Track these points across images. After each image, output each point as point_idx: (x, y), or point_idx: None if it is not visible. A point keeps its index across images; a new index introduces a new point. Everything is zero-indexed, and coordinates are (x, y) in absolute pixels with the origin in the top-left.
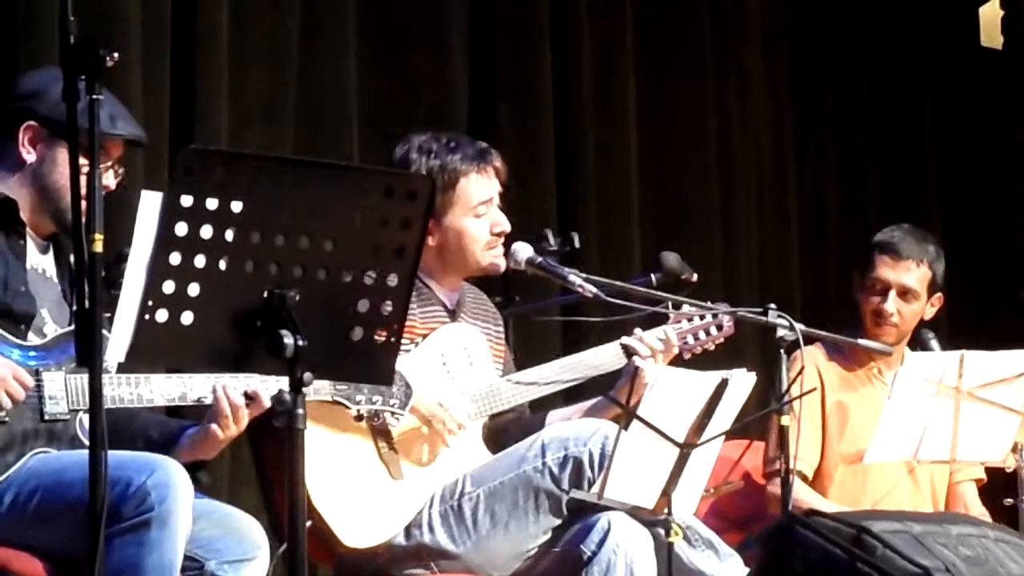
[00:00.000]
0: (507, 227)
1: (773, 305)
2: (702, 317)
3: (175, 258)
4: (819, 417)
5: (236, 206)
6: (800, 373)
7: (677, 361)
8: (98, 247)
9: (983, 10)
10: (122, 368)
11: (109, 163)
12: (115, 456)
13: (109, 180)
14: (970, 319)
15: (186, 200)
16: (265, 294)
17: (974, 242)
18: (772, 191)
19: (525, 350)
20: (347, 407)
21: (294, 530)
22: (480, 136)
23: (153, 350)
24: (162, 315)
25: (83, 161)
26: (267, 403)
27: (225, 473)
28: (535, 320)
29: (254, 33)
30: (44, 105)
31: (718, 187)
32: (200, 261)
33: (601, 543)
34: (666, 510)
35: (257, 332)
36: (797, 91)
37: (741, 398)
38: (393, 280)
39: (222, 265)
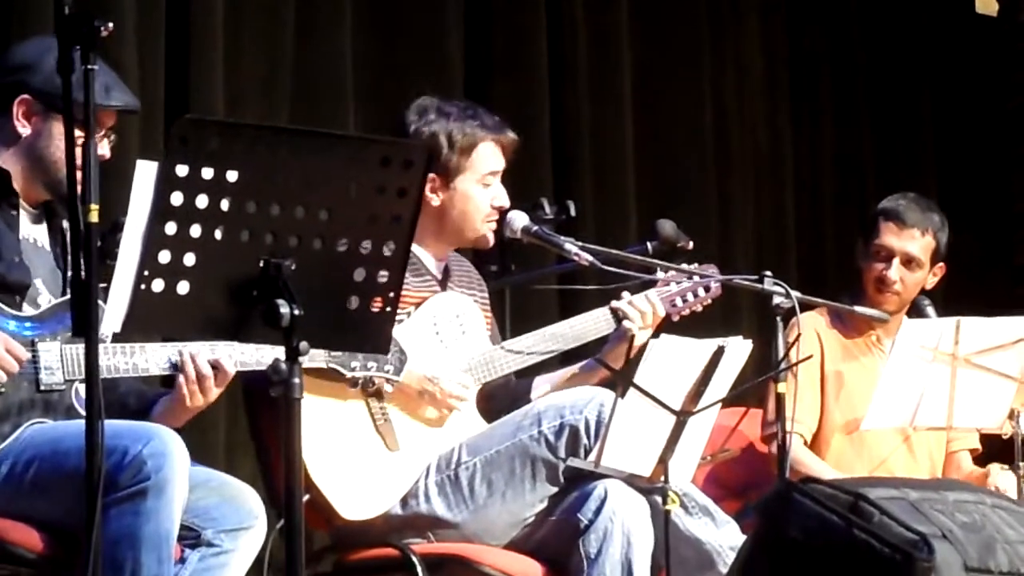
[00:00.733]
0: (507, 203)
1: (769, 272)
2: (690, 277)
3: (171, 228)
4: (818, 382)
5: (232, 175)
6: (797, 339)
7: (668, 325)
8: (94, 217)
9: None
10: (118, 338)
11: (102, 132)
12: (111, 426)
13: (104, 149)
14: (967, 286)
15: (181, 170)
16: (261, 263)
17: (970, 209)
18: (768, 158)
19: (521, 319)
20: (342, 374)
21: (291, 499)
22: None
23: (149, 320)
24: (158, 285)
25: (78, 133)
26: (231, 371)
27: (222, 442)
28: (531, 289)
29: (250, 4)
30: (38, 77)
31: (713, 155)
32: (196, 231)
33: (598, 511)
34: (663, 478)
35: (253, 301)
36: (793, 59)
37: (738, 366)
38: (389, 249)
39: (218, 235)
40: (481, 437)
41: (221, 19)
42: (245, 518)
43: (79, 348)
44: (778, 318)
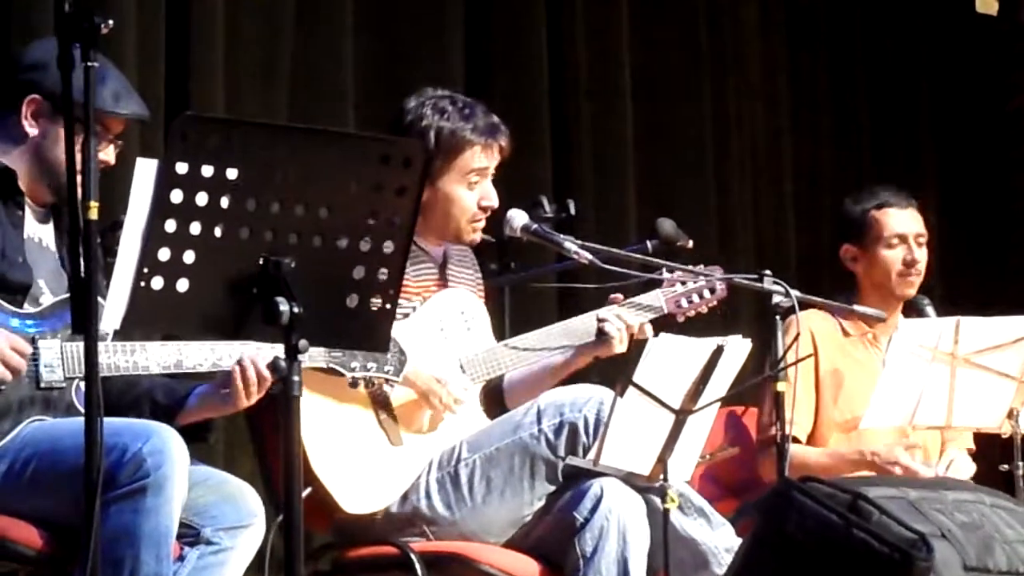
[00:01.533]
0: (495, 203)
1: (768, 271)
2: (695, 280)
3: (170, 225)
4: (813, 382)
5: (231, 173)
6: (796, 339)
7: (672, 325)
8: (93, 214)
9: None
10: (118, 335)
11: (110, 138)
12: (110, 423)
13: (110, 156)
14: (966, 285)
15: (181, 167)
16: (261, 261)
17: (970, 208)
18: (767, 158)
19: (521, 317)
20: (341, 374)
21: (290, 498)
22: None
23: (149, 317)
24: (158, 282)
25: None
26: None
27: (221, 439)
28: (531, 287)
29: (250, 2)
30: (49, 79)
31: (713, 155)
32: (195, 228)
33: (594, 509)
34: (661, 477)
35: (253, 299)
36: (793, 57)
37: (737, 365)
38: (388, 247)
39: (217, 232)
40: (481, 434)
41: (221, 17)
42: (244, 516)
43: (79, 346)
44: (777, 317)
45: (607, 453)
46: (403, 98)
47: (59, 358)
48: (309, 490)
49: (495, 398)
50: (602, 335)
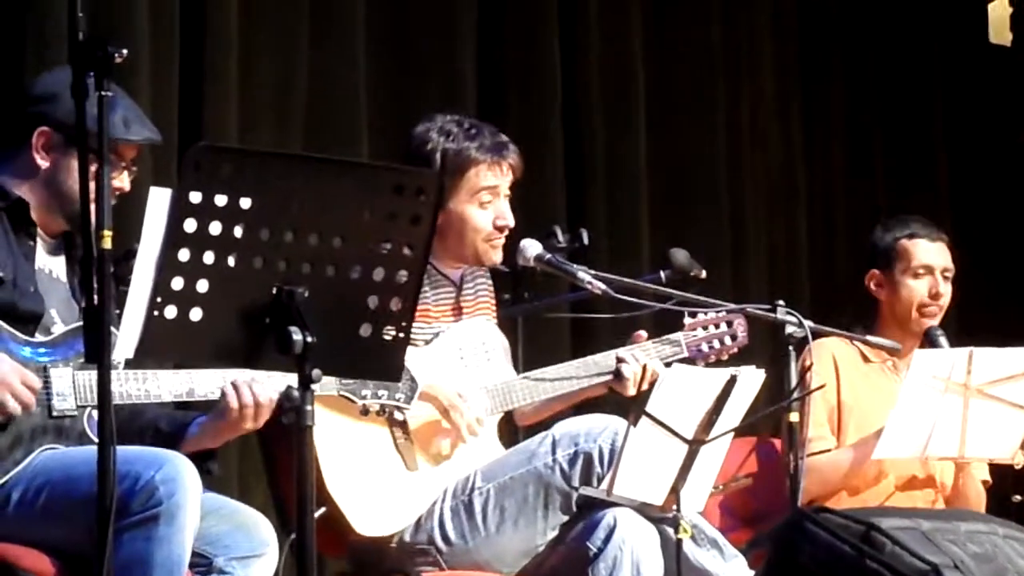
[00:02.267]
0: (511, 222)
1: (782, 302)
2: (717, 326)
3: (184, 254)
4: (836, 408)
5: (245, 202)
6: (809, 368)
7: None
8: (107, 243)
9: (992, 7)
10: (130, 364)
11: (123, 165)
12: (123, 451)
13: (124, 182)
14: (980, 316)
15: (195, 196)
16: (274, 290)
17: (984, 239)
18: (781, 188)
19: (534, 347)
20: (353, 401)
21: (303, 527)
22: None
23: (162, 346)
24: (171, 311)
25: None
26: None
27: (234, 467)
28: (544, 317)
29: (263, 31)
30: (59, 110)
31: (727, 184)
32: (209, 257)
33: (607, 539)
34: (674, 507)
35: (266, 328)
36: (806, 88)
37: (750, 395)
38: (402, 276)
39: (231, 261)
40: (496, 463)
41: (235, 46)
42: (257, 546)
43: (91, 374)
44: (790, 347)
45: (620, 483)
46: (416, 120)
47: (71, 387)
48: (323, 510)
49: (504, 414)
50: (619, 375)
